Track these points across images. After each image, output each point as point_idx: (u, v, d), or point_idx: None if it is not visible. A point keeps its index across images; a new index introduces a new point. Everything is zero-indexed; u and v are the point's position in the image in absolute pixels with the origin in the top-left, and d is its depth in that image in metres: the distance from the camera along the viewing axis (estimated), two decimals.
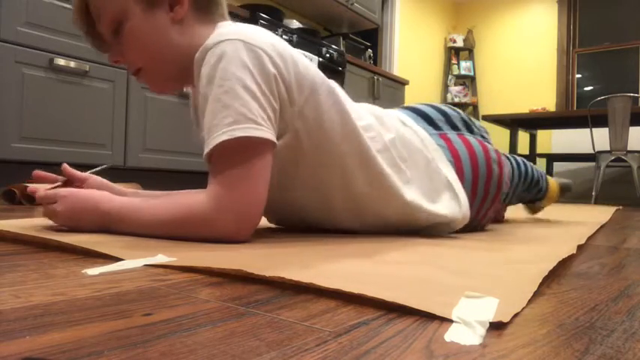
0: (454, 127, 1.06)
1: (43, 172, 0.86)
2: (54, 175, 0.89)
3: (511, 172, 1.27)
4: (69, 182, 0.90)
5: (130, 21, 0.79)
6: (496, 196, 1.07)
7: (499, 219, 1.49)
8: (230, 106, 0.71)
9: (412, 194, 0.91)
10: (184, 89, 0.94)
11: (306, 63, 0.82)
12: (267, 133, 0.73)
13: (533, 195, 1.44)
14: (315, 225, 0.95)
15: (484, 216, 1.09)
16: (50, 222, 0.84)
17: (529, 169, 1.37)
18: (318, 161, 0.83)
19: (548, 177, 1.49)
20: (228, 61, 0.72)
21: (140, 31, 0.80)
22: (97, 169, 1.01)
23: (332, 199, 0.88)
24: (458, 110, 1.11)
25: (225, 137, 0.70)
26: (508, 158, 1.32)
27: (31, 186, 0.81)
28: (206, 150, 0.73)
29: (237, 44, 0.74)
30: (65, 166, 0.90)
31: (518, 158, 1.38)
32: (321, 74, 0.84)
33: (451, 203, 0.95)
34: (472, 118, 1.13)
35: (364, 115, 0.92)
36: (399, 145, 0.93)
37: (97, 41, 0.86)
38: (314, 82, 0.81)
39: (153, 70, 0.84)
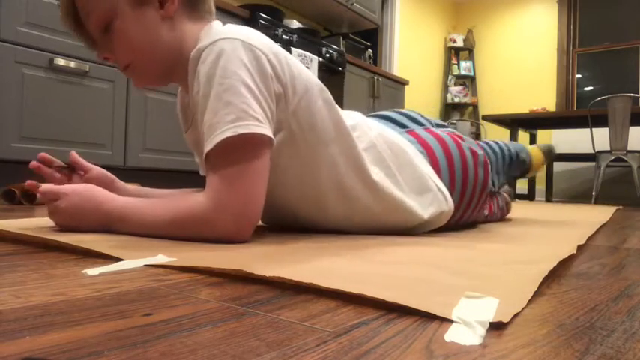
0: (419, 124, 1.11)
1: (48, 155, 0.89)
2: (59, 161, 0.92)
3: (487, 155, 1.28)
4: (73, 169, 0.93)
5: (120, 19, 0.79)
6: (475, 182, 1.06)
7: (503, 217, 1.49)
8: (231, 104, 0.71)
9: (400, 192, 0.93)
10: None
11: (299, 65, 0.84)
12: (268, 130, 0.74)
13: (519, 169, 1.44)
14: (308, 225, 0.95)
15: (469, 206, 1.07)
16: (50, 222, 0.85)
17: (504, 148, 1.38)
18: (311, 161, 0.84)
19: (528, 146, 1.50)
20: (228, 59, 0.73)
21: (130, 29, 0.80)
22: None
23: (325, 199, 0.88)
24: (417, 111, 1.16)
25: (228, 134, 0.70)
26: (479, 144, 1.32)
27: (30, 182, 0.82)
28: (208, 147, 0.72)
29: (236, 43, 0.74)
30: (73, 153, 0.92)
31: (489, 141, 1.40)
32: (313, 76, 0.86)
33: (437, 196, 0.97)
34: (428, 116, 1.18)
35: (352, 115, 0.96)
36: (383, 143, 0.95)
37: (87, 38, 0.86)
38: (307, 82, 0.83)
39: (142, 66, 0.84)
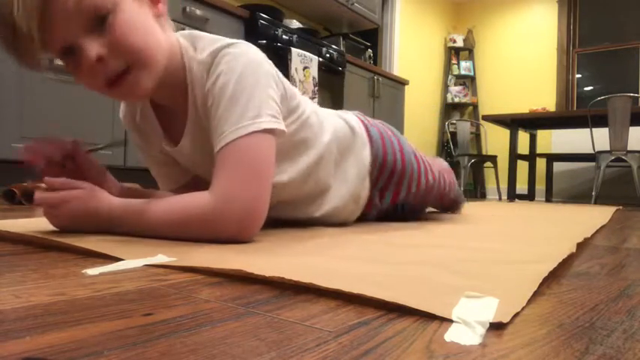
0: None
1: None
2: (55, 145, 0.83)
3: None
4: (70, 158, 0.84)
5: (122, 11, 0.71)
6: (400, 146, 1.16)
7: (453, 208, 1.54)
8: (251, 102, 0.76)
9: (352, 169, 1.06)
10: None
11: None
12: (283, 125, 0.81)
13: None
14: (289, 218, 1.03)
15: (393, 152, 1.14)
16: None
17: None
18: (296, 153, 0.93)
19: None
20: (243, 60, 0.78)
21: (133, 21, 0.73)
22: (100, 146, 0.97)
23: (303, 185, 0.97)
24: None
25: (252, 128, 0.74)
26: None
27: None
28: (227, 139, 0.74)
29: (248, 47, 0.81)
30: (76, 144, 0.84)
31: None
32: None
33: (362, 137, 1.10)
34: None
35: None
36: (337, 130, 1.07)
37: (36, 48, 0.68)
38: (292, 87, 0.92)
39: (143, 66, 0.74)
